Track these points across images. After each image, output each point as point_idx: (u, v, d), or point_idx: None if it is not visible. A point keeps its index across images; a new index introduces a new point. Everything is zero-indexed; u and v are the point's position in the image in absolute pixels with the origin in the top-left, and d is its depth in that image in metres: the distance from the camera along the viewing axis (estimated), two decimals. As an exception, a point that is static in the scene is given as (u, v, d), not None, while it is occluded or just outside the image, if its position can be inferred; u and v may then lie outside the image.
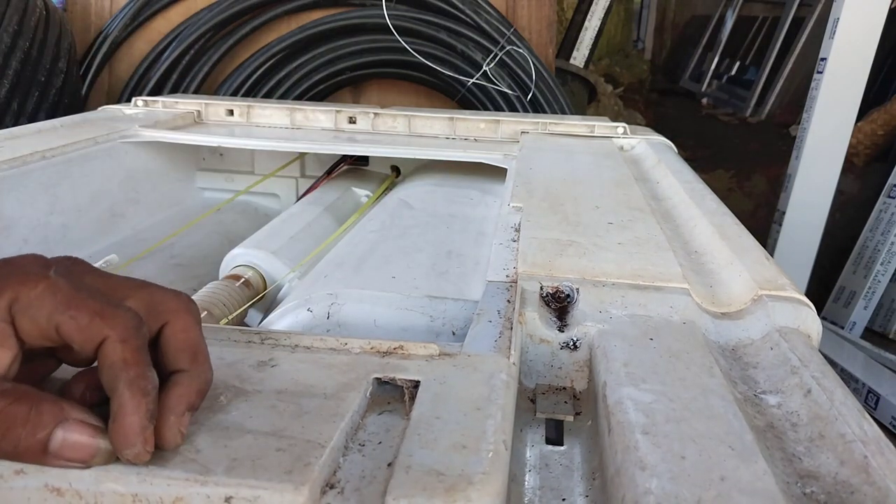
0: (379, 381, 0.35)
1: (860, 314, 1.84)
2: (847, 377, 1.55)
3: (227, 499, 0.26)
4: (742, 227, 0.60)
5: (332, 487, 0.28)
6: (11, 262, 0.29)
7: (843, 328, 1.84)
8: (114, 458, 0.27)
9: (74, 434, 0.26)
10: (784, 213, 1.85)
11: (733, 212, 0.65)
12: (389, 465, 0.29)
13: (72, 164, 0.82)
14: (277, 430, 0.29)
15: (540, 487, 0.34)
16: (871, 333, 1.87)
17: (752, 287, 0.47)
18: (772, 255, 1.85)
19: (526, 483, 0.34)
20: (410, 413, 0.32)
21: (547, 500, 0.33)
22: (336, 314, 0.51)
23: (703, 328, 0.43)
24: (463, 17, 1.42)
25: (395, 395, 0.35)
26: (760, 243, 0.56)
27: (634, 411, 0.32)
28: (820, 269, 1.99)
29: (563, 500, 0.33)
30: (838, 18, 1.74)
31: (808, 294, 0.47)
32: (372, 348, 0.37)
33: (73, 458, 0.26)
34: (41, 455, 0.26)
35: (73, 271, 0.30)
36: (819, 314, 1.94)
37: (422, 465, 0.27)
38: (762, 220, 2.10)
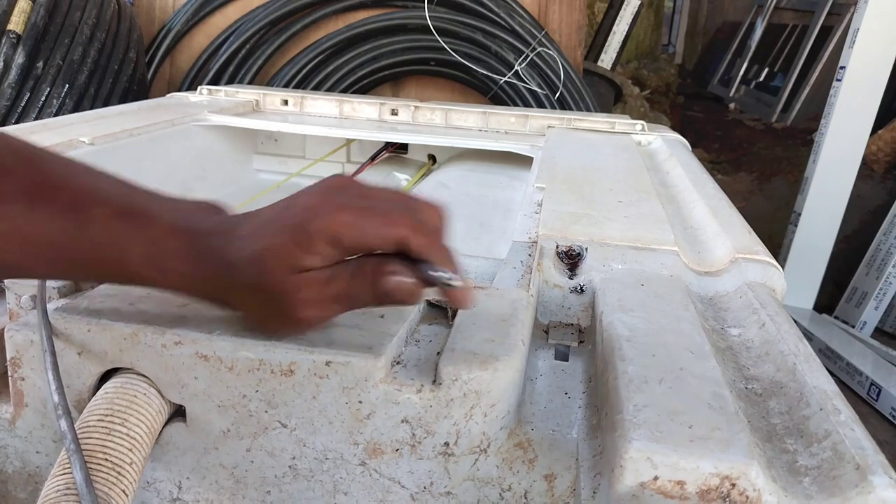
0: (429, 303, 0.45)
1: (871, 314, 1.91)
2: (853, 370, 1.63)
3: (328, 363, 0.37)
4: (734, 209, 0.70)
5: (398, 363, 0.39)
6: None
7: (853, 327, 1.91)
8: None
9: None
10: (800, 214, 1.92)
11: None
12: (438, 353, 0.40)
13: (154, 142, 0.94)
14: (359, 325, 0.40)
15: (549, 386, 0.44)
16: (881, 333, 1.94)
17: (731, 252, 0.56)
18: (787, 254, 1.93)
19: (538, 382, 0.44)
20: (453, 322, 0.42)
21: (554, 393, 0.43)
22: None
23: (687, 281, 0.53)
24: (497, 19, 1.53)
25: (440, 314, 0.45)
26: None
27: (622, 327, 0.43)
28: (837, 272, 2.06)
29: (566, 394, 0.43)
30: (858, 28, 1.81)
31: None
32: (423, 280, 0.48)
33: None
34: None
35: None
36: (832, 314, 2.01)
37: (463, 349, 0.38)
38: (781, 223, 2.17)
